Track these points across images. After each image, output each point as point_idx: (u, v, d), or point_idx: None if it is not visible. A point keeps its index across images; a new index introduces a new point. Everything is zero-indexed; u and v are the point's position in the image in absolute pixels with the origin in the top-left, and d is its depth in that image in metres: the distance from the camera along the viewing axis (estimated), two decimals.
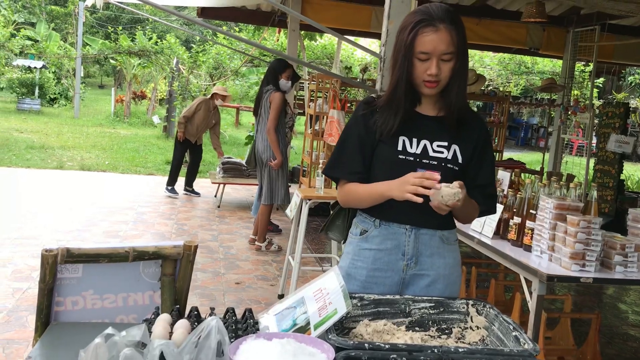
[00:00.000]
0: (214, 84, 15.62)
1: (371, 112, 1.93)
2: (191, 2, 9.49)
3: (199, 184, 8.88)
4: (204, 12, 9.38)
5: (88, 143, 13.44)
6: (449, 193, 1.70)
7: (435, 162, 1.86)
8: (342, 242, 2.16)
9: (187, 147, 8.18)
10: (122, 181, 9.39)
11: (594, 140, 9.17)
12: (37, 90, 20.81)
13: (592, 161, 8.76)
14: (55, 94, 22.21)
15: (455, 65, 1.80)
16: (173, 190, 8.28)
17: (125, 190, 8.60)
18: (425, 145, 1.88)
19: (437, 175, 1.72)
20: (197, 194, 8.48)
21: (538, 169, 9.21)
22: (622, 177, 8.54)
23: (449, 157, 1.87)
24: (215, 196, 8.25)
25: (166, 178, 8.61)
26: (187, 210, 7.54)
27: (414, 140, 1.88)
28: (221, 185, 8.01)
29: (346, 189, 1.96)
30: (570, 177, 7.82)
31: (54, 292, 1.80)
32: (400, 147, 1.87)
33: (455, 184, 1.71)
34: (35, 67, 21.06)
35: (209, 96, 8.23)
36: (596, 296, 5.47)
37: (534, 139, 23.46)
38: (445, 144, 1.88)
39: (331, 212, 2.19)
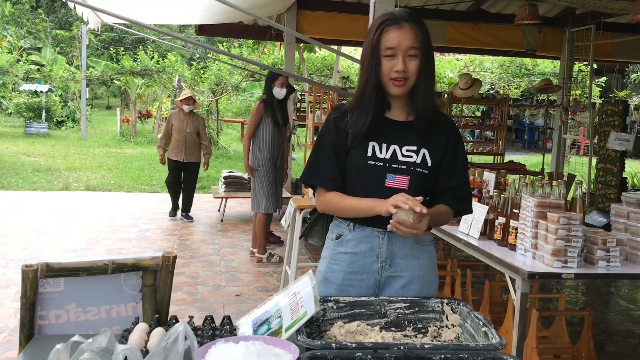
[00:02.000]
0: (216, 100, 15.76)
1: (341, 116, 1.97)
2: (189, 20, 9.61)
3: (202, 198, 8.95)
4: (201, 29, 9.50)
5: (94, 164, 13.58)
6: (402, 214, 1.75)
7: (405, 167, 1.89)
8: (321, 246, 2.20)
9: (179, 169, 7.71)
10: (126, 200, 9.48)
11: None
12: (44, 114, 21.06)
13: (594, 160, 8.75)
14: (62, 116, 22.47)
15: (420, 63, 1.84)
16: (173, 213, 7.95)
17: (129, 208, 8.68)
18: (394, 150, 1.91)
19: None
20: (190, 219, 7.86)
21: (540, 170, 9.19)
22: (625, 174, 8.50)
23: (418, 161, 1.90)
24: (219, 210, 8.31)
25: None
26: (190, 226, 7.60)
27: (384, 146, 1.91)
28: (224, 199, 8.07)
29: (327, 199, 1.99)
30: (571, 177, 7.82)
31: (37, 306, 1.85)
32: (369, 153, 1.90)
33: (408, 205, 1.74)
34: (41, 91, 21.33)
35: (176, 110, 7.80)
36: (597, 294, 5.46)
37: (541, 140, 23.38)
38: (415, 148, 1.91)
39: (309, 218, 2.22)
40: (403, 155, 1.90)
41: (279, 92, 5.72)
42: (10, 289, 4.84)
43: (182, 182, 7.84)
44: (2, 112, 22.37)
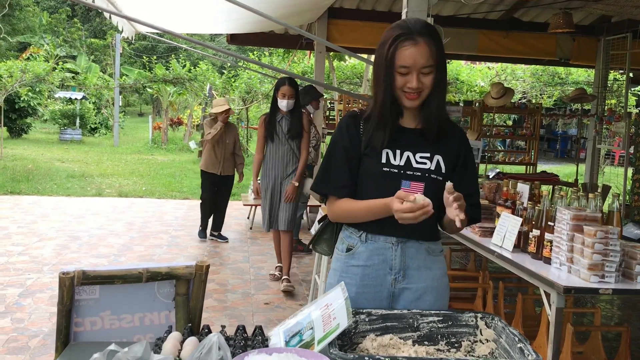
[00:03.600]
0: (247, 108, 15.88)
1: (354, 123, 1.96)
2: (220, 29, 9.72)
3: (232, 206, 8.96)
4: (233, 38, 9.58)
5: (126, 170, 13.80)
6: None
7: (419, 173, 1.89)
8: (329, 256, 2.17)
9: (215, 183, 7.04)
10: (158, 206, 9.60)
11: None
12: (78, 121, 21.51)
13: (630, 171, 8.56)
14: (95, 123, 22.93)
15: (435, 78, 1.83)
16: (203, 234, 7.26)
17: (160, 214, 8.79)
18: (408, 156, 1.90)
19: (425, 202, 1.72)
20: (225, 239, 7.23)
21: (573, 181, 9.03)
22: None
23: (432, 167, 1.90)
24: (248, 218, 8.35)
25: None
26: None
27: (397, 152, 1.91)
28: (253, 207, 8.10)
29: (338, 206, 1.97)
30: (606, 188, 7.66)
31: (73, 313, 1.88)
32: (384, 160, 1.90)
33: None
34: (76, 99, 21.80)
35: (210, 118, 7.03)
36: (634, 309, 5.32)
37: (574, 150, 22.95)
38: (428, 154, 1.91)
39: (318, 225, 2.21)
40: (417, 162, 1.90)
41: (280, 102, 5.25)
42: (44, 293, 4.93)
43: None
44: (37, 118, 22.90)
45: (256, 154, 5.51)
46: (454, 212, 1.70)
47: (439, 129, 1.90)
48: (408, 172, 1.88)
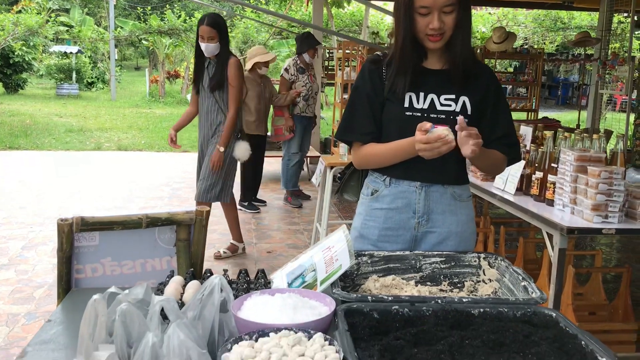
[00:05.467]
0: (244, 58, 15.65)
1: (377, 68, 1.92)
2: None
3: None
4: None
5: (125, 124, 13.71)
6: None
7: (444, 116, 1.84)
8: (356, 201, 2.17)
9: (258, 143, 6.06)
10: (157, 159, 9.58)
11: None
12: (74, 75, 21.25)
13: (632, 116, 8.48)
14: (92, 77, 22.65)
15: (457, 16, 1.77)
16: (252, 206, 6.39)
17: (161, 168, 8.78)
18: (432, 99, 1.86)
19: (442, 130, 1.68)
20: (257, 210, 6.36)
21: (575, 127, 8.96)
22: None
23: (457, 109, 1.85)
24: None
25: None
26: None
27: (421, 95, 1.86)
28: None
29: (363, 152, 1.95)
30: (609, 133, 7.60)
31: (73, 260, 1.87)
32: (407, 104, 1.86)
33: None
34: (71, 53, 21.48)
35: (248, 69, 6.10)
36: (634, 252, 5.36)
37: (575, 97, 22.73)
38: (453, 96, 1.86)
39: (339, 176, 2.20)
40: (441, 104, 1.86)
41: (200, 45, 4.27)
42: (47, 246, 4.95)
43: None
44: (33, 74, 22.61)
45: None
46: (468, 150, 1.67)
47: (465, 70, 1.84)
48: (432, 115, 1.84)
